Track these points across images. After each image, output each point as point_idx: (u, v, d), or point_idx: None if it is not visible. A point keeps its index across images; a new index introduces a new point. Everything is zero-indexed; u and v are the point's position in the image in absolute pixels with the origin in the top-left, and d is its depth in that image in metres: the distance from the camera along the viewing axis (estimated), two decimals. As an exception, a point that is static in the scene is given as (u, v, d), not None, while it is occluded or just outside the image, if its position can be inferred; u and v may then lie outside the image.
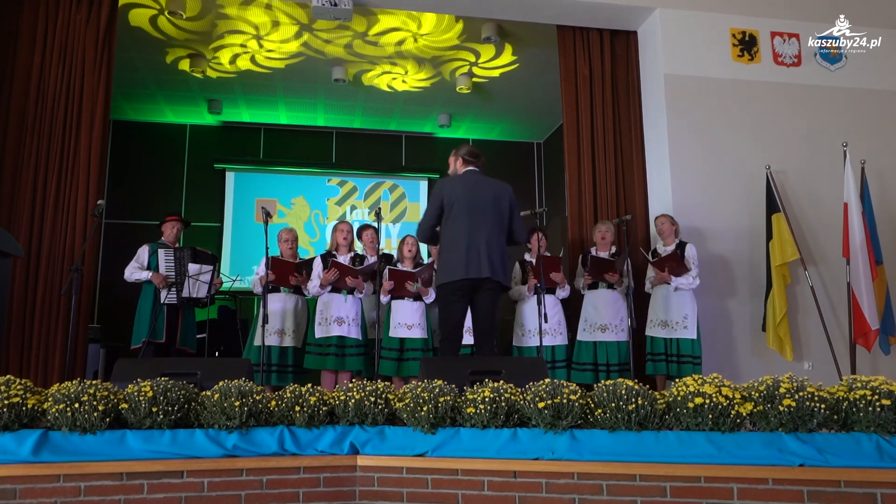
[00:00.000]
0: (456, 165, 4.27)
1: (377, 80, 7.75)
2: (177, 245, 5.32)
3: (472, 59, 7.28)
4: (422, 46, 6.99)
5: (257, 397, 2.82)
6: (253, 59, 7.24)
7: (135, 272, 5.09)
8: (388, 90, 8.01)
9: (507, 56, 7.22)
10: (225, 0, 6.13)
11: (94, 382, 2.79)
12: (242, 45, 6.95)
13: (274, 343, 4.90)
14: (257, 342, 4.88)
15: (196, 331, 5.42)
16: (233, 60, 7.26)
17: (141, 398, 2.72)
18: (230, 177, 8.96)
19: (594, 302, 5.18)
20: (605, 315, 5.11)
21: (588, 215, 5.88)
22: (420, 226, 4.28)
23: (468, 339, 4.56)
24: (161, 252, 5.17)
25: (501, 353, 5.44)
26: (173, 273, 5.11)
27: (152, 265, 5.13)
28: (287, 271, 4.90)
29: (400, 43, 6.91)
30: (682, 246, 5.12)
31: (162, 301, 5.01)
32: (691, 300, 5.03)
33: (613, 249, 5.28)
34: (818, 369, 5.38)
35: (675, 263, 4.96)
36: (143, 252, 5.20)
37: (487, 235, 3.98)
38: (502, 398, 2.78)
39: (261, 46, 6.95)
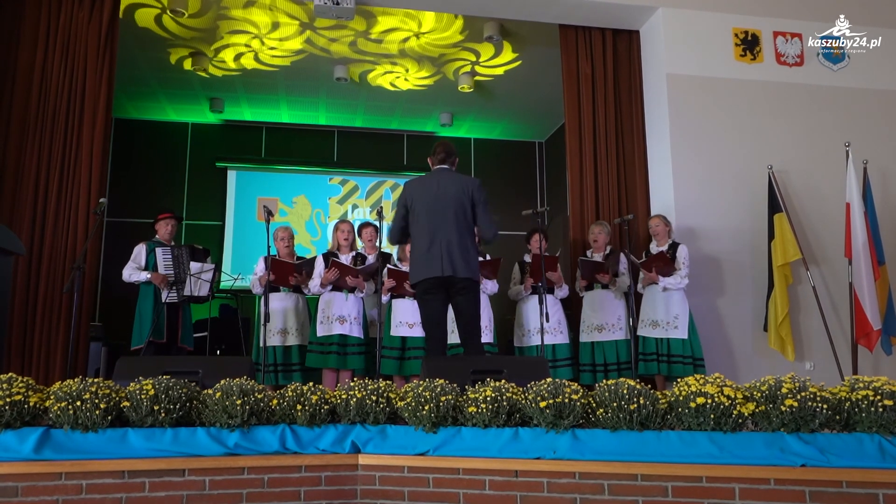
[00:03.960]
0: (431, 165, 4.25)
1: (379, 78, 7.75)
2: (172, 243, 5.29)
3: (474, 58, 7.28)
4: (424, 45, 6.98)
5: (259, 396, 2.82)
6: (255, 58, 7.24)
7: (133, 273, 5.02)
8: (390, 89, 8.01)
9: (509, 55, 7.21)
10: (227, -2, 6.14)
11: (95, 380, 2.80)
12: (245, 44, 6.95)
13: (277, 343, 4.90)
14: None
15: (194, 329, 5.41)
16: (235, 59, 7.26)
17: (143, 396, 2.72)
18: (232, 175, 8.96)
19: (591, 303, 5.20)
20: (601, 315, 5.11)
21: (589, 215, 5.87)
22: (389, 229, 4.26)
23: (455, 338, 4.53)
24: (159, 251, 5.11)
25: (502, 352, 5.44)
26: (172, 272, 5.08)
27: (150, 264, 5.08)
28: (287, 272, 4.89)
29: (402, 42, 6.91)
30: (674, 246, 5.12)
31: (163, 300, 4.99)
32: (682, 300, 5.03)
33: (608, 250, 5.28)
34: (820, 369, 5.38)
35: (663, 263, 4.96)
36: (141, 252, 5.12)
37: (448, 233, 3.91)
38: (504, 397, 2.78)
39: (263, 45, 6.94)
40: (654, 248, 5.22)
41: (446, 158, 4.16)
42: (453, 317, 4.15)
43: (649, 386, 2.83)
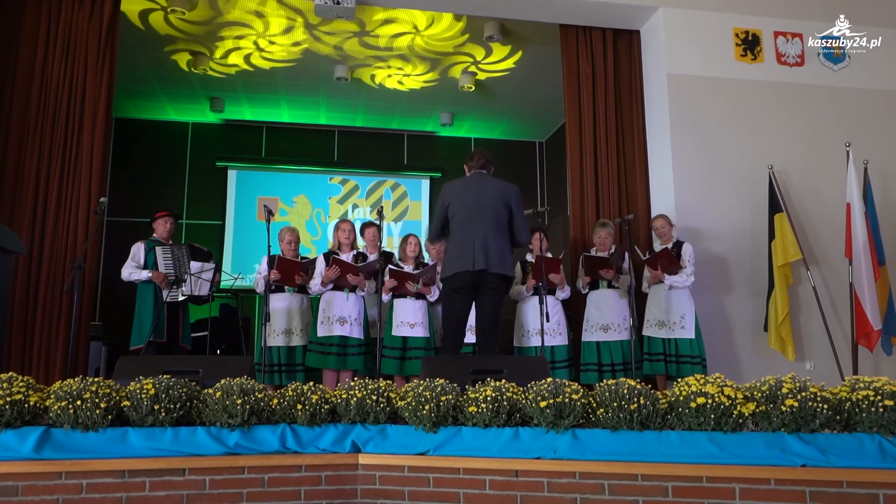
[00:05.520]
0: (466, 172, 4.37)
1: (379, 78, 7.75)
2: (170, 241, 5.26)
3: (475, 57, 7.28)
4: (424, 45, 6.98)
5: (259, 395, 2.82)
6: (255, 57, 7.24)
7: (133, 272, 4.99)
8: (391, 88, 8.01)
9: (510, 55, 7.21)
10: (227, -2, 6.14)
11: (96, 380, 2.80)
12: (245, 43, 6.95)
13: (281, 343, 4.90)
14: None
15: (194, 328, 5.40)
16: (235, 58, 7.26)
17: (143, 396, 2.72)
18: (232, 175, 8.96)
19: (596, 302, 5.18)
20: (606, 315, 5.10)
21: (590, 215, 5.87)
22: (429, 228, 4.40)
23: (471, 337, 4.57)
24: (158, 250, 5.08)
25: (502, 352, 5.44)
26: (172, 270, 5.07)
27: (149, 263, 5.06)
28: (293, 270, 4.89)
29: (402, 41, 6.90)
30: (679, 245, 5.11)
31: (165, 299, 4.98)
32: (688, 300, 5.02)
33: (613, 249, 5.28)
34: (820, 370, 5.38)
35: (668, 261, 4.95)
36: (139, 250, 5.08)
37: (485, 232, 4.03)
38: (504, 397, 2.78)
39: (263, 45, 6.94)
40: (659, 247, 5.22)
41: (486, 164, 4.29)
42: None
43: (650, 386, 2.82)
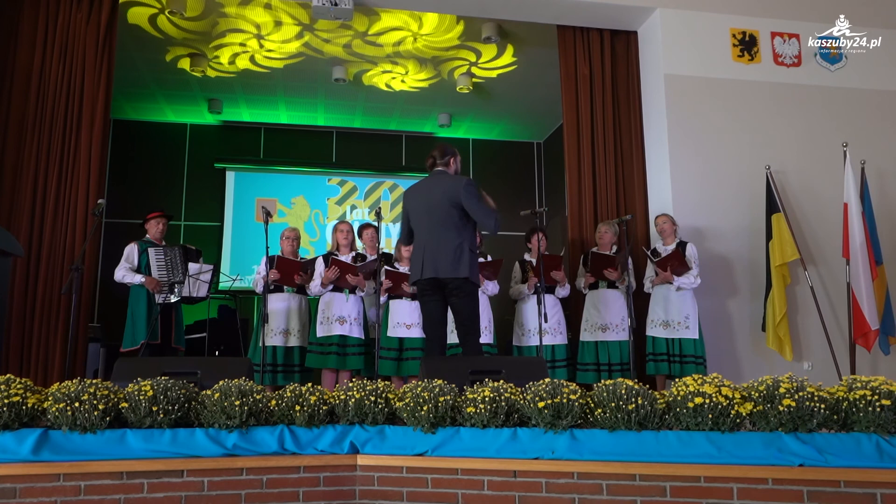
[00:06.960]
0: (428, 170, 4.28)
1: (377, 79, 7.76)
2: (163, 242, 5.25)
3: (473, 58, 7.28)
4: (422, 46, 6.99)
5: (257, 396, 2.82)
6: (253, 59, 7.24)
7: (126, 274, 4.98)
8: (389, 90, 8.01)
9: (508, 56, 7.22)
10: (225, -1, 6.14)
11: (94, 382, 2.79)
12: (243, 45, 6.95)
13: (279, 343, 4.90)
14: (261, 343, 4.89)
15: (193, 330, 5.39)
16: (233, 60, 7.26)
17: (141, 397, 2.72)
18: (230, 176, 8.96)
19: (595, 302, 5.19)
20: (605, 315, 5.11)
21: (588, 215, 5.88)
22: (399, 233, 4.39)
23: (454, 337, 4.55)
24: (151, 252, 5.06)
25: (502, 352, 5.45)
26: (165, 273, 5.06)
27: (142, 264, 5.04)
28: (292, 270, 4.89)
29: (400, 43, 6.91)
30: (682, 245, 5.13)
31: (158, 301, 4.96)
32: (692, 300, 5.04)
33: (614, 249, 5.29)
34: (818, 369, 5.39)
35: (678, 263, 4.96)
36: (133, 252, 5.07)
37: (436, 235, 3.95)
38: (502, 398, 2.78)
39: (261, 46, 6.94)
40: (661, 246, 5.24)
41: (436, 161, 4.18)
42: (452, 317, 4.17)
43: (647, 386, 2.83)
